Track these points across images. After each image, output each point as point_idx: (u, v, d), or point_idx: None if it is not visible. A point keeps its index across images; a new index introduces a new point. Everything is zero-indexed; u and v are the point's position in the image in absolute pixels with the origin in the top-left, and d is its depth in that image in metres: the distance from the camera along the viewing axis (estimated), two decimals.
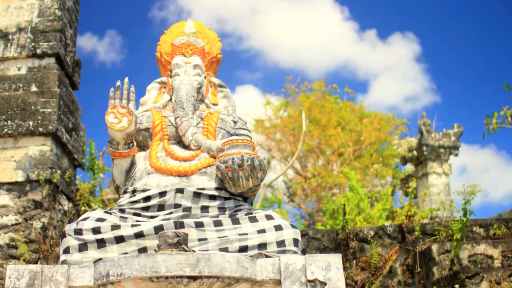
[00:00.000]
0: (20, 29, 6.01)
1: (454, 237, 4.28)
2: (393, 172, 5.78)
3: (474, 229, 4.81)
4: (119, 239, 2.86)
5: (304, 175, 14.85)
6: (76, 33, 6.65)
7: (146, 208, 3.08)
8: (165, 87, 3.74)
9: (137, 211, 3.07)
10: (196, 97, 3.58)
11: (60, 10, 6.08)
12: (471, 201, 4.32)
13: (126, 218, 3.04)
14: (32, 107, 5.68)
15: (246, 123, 3.71)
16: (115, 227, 2.90)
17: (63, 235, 2.92)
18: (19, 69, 5.93)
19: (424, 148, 11.94)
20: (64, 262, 2.85)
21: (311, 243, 4.93)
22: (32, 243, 5.24)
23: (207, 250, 2.83)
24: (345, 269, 4.61)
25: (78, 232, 2.89)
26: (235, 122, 3.60)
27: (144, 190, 3.13)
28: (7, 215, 5.40)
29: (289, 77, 16.02)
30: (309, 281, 2.66)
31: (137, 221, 3.01)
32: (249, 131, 3.69)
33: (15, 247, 5.26)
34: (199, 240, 2.87)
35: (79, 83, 6.60)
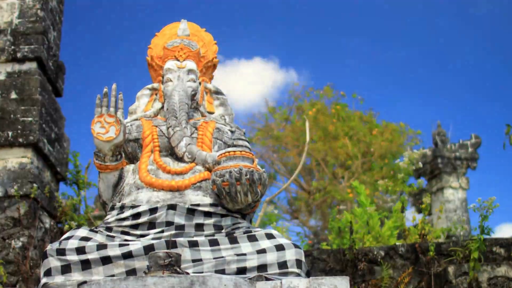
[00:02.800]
0: None
1: (472, 257, 4.27)
2: (401, 187, 5.77)
3: (494, 249, 4.80)
4: (106, 260, 2.85)
5: (308, 190, 14.84)
6: (60, 35, 6.67)
7: (135, 226, 3.07)
8: (156, 94, 3.75)
9: (126, 229, 3.06)
10: (190, 105, 3.59)
11: (42, 11, 6.11)
12: (490, 218, 4.32)
13: (113, 237, 3.03)
14: (12, 115, 5.69)
15: (244, 133, 3.71)
16: (101, 246, 2.89)
17: (44, 256, 2.91)
18: None
19: (439, 160, 11.93)
20: (45, 285, 2.84)
21: (315, 264, 4.92)
22: (10, 265, 5.22)
23: (202, 272, 2.82)
24: None
25: (61, 252, 2.88)
26: (232, 132, 3.60)
27: (133, 207, 3.12)
28: None
29: (296, 83, 16.05)
30: None
31: (126, 240, 3.00)
32: (248, 142, 3.69)
33: None
34: (193, 261, 2.87)
35: (63, 89, 6.61)
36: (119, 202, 3.22)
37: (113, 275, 2.83)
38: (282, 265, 2.85)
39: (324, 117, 14.66)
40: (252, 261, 2.86)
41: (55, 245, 2.94)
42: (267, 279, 2.79)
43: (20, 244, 5.34)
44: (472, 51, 27.44)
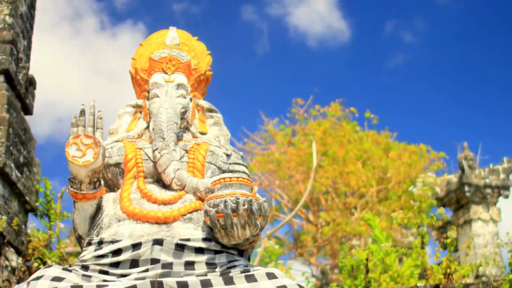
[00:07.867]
0: None
1: None
2: (420, 218, 5.75)
3: None
4: None
5: (316, 223, 14.81)
6: (31, 44, 6.71)
7: (115, 264, 3.06)
8: (141, 112, 3.75)
9: (104, 268, 3.05)
10: (180, 124, 3.59)
11: (11, 17, 6.15)
12: None
13: (90, 276, 3.02)
14: None
15: (242, 157, 3.71)
16: None
17: None
18: None
19: (466, 188, 11.93)
20: None
21: None
22: None
23: None
24: None
25: None
26: (228, 156, 3.61)
27: (113, 242, 3.11)
28: None
29: (298, 99, 16.03)
30: None
31: (104, 280, 2.99)
32: (246, 167, 3.69)
33: None
34: None
35: (33, 107, 6.63)
36: (97, 236, 3.21)
37: None
38: None
39: (332, 138, 14.69)
40: None
41: (23, 286, 2.92)
42: None
43: None
44: (501, 64, 27.63)
